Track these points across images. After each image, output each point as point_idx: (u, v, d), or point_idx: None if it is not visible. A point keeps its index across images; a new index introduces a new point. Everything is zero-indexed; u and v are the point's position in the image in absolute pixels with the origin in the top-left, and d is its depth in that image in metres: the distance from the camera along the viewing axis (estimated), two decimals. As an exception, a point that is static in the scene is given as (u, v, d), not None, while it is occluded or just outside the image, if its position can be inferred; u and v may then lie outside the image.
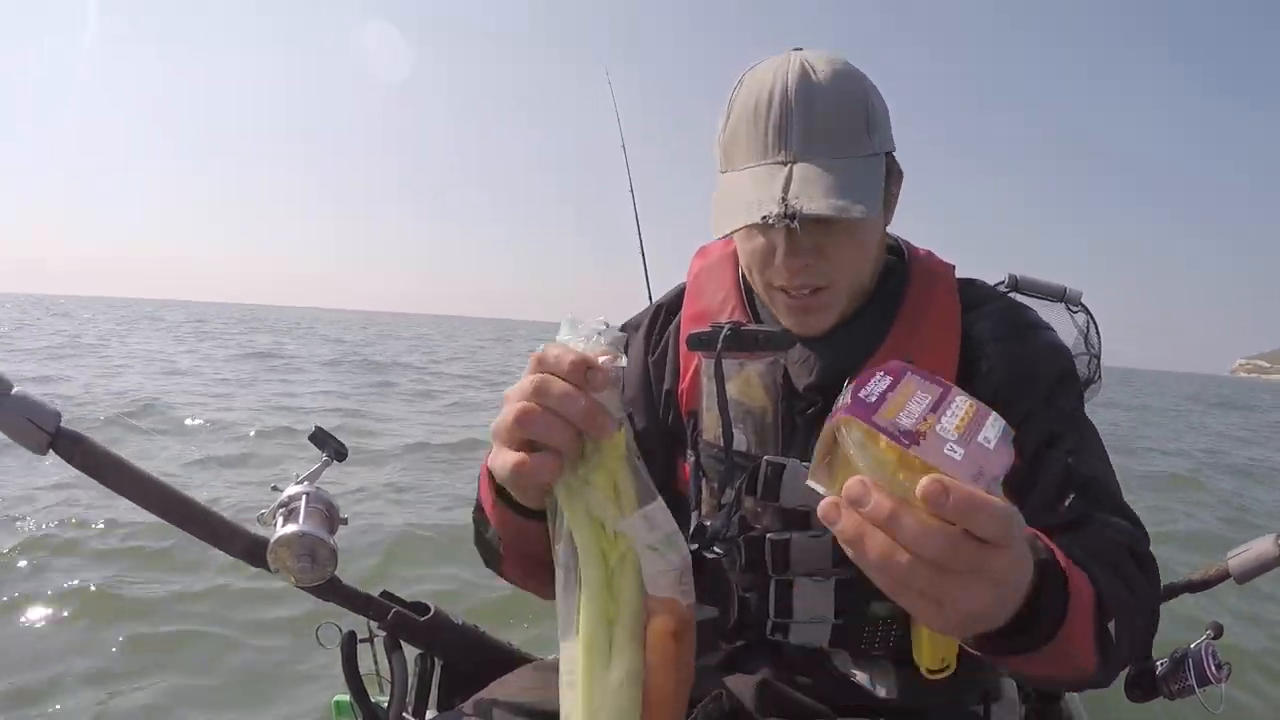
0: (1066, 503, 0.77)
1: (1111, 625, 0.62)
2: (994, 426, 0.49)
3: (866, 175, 0.78)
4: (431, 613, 1.07)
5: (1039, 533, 0.60)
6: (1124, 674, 1.20)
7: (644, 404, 0.98)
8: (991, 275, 1.01)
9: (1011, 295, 1.10)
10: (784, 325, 0.86)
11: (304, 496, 0.98)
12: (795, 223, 0.73)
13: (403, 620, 1.04)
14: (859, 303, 0.88)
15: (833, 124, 0.77)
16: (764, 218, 0.73)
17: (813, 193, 0.74)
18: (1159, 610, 0.75)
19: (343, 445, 1.06)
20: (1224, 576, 1.20)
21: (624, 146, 2.03)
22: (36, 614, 2.66)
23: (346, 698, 1.05)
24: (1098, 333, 1.18)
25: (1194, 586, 1.20)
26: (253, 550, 0.99)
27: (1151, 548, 0.77)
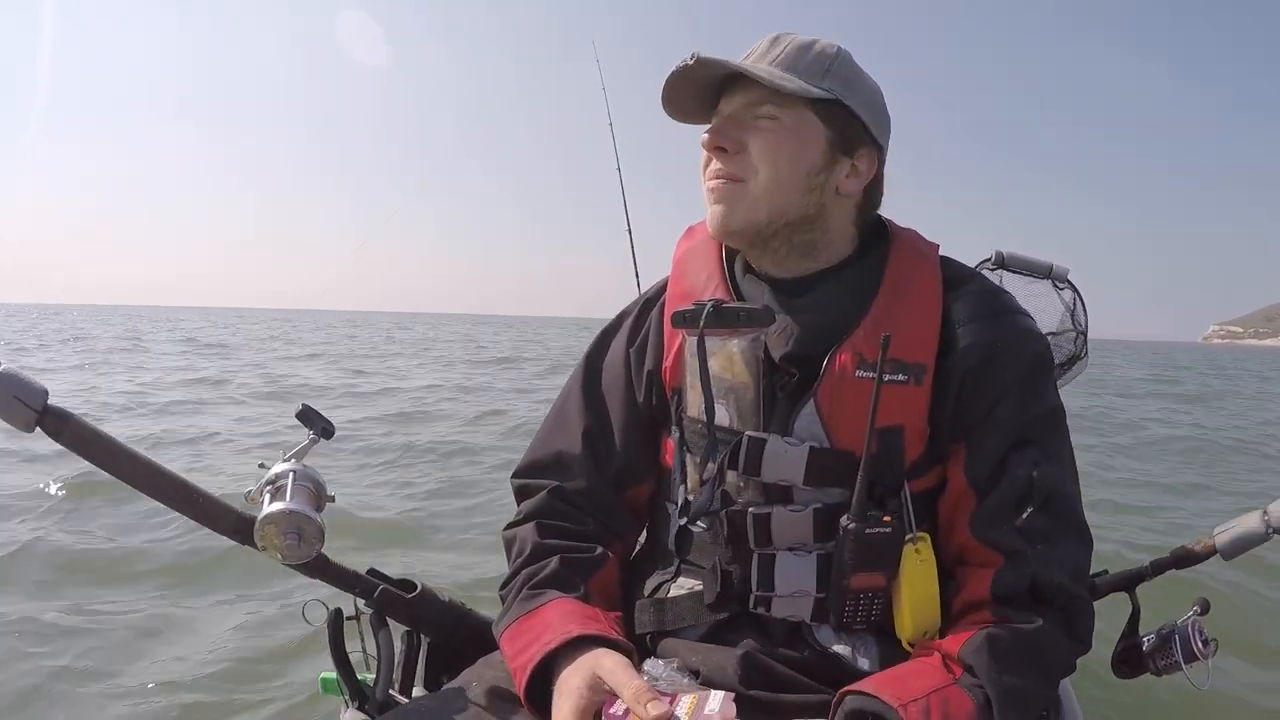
0: (1025, 514, 0.82)
1: None
2: None
3: (798, 83, 0.83)
4: (418, 590, 1.07)
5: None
6: (1111, 650, 1.20)
7: (622, 392, 0.99)
8: (965, 246, 1.02)
9: (996, 273, 1.09)
10: (709, 223, 0.90)
11: (291, 474, 0.97)
12: (692, 59, 0.81)
13: (389, 598, 1.04)
14: (792, 238, 0.89)
15: (788, 57, 0.85)
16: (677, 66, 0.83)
17: (727, 60, 0.82)
18: (1089, 641, 0.84)
19: (330, 423, 1.06)
20: (1211, 553, 1.19)
21: (611, 124, 2.04)
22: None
23: (334, 675, 1.05)
24: (1084, 309, 1.18)
25: (1181, 563, 1.20)
26: (240, 528, 0.99)
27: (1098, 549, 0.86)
